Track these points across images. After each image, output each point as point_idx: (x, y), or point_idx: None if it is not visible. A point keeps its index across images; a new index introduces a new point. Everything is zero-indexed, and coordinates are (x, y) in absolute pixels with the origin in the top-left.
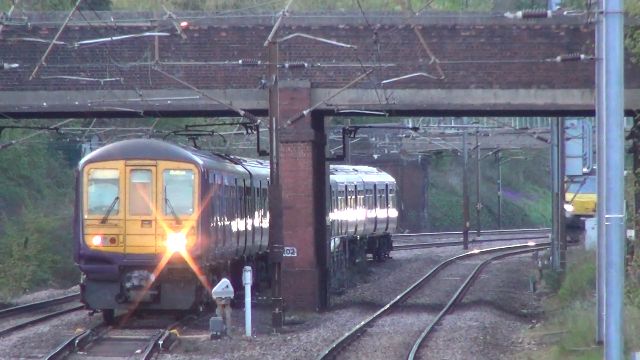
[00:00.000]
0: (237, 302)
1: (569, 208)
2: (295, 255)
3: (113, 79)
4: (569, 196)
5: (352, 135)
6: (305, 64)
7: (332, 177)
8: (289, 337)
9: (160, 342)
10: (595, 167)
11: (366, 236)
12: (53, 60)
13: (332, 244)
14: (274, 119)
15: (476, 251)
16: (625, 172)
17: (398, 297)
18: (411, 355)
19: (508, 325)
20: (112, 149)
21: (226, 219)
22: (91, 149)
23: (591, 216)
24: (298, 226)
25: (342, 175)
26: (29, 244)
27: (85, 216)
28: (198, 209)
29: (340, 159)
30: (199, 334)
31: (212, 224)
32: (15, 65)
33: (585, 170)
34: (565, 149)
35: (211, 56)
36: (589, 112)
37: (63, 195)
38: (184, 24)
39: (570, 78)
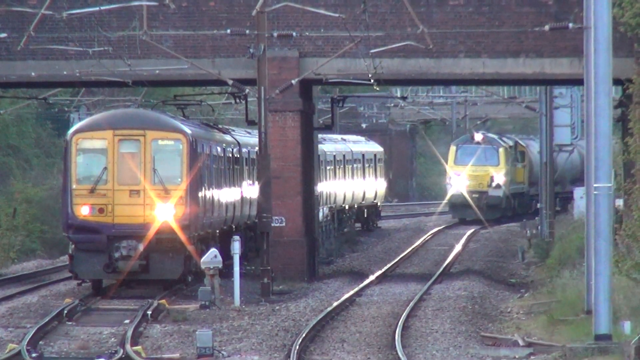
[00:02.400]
0: (225, 272)
1: (457, 183)
2: (284, 225)
3: (101, 48)
4: (458, 169)
5: (340, 105)
6: (294, 34)
7: (320, 146)
8: (277, 307)
9: (149, 312)
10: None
11: (354, 206)
12: (41, 29)
13: (320, 214)
14: (262, 88)
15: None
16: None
17: (386, 266)
18: (400, 325)
19: (497, 294)
20: (100, 119)
21: (215, 189)
22: (79, 119)
23: (484, 193)
24: (287, 196)
25: (331, 144)
26: (17, 214)
27: (74, 186)
28: (186, 179)
29: (329, 128)
30: (187, 304)
31: (200, 194)
32: (3, 35)
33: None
34: (553, 118)
35: (199, 25)
36: (578, 81)
37: (51, 165)
38: None
39: (559, 47)
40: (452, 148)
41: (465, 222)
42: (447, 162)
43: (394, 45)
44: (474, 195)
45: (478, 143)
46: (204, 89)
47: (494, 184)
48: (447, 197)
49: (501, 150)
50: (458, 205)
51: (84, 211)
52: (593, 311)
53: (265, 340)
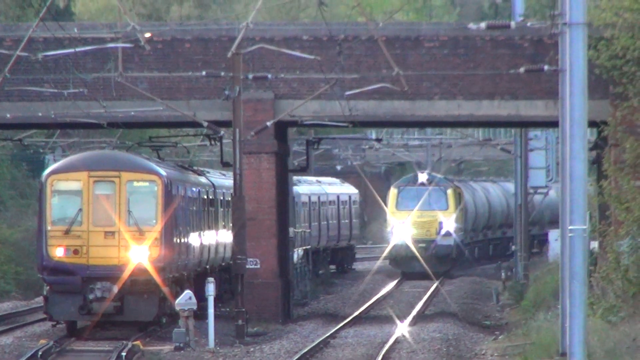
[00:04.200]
0: (200, 314)
1: (400, 233)
2: (259, 266)
3: (77, 90)
4: (401, 215)
5: (315, 147)
6: (269, 75)
7: (295, 188)
8: (252, 349)
9: (124, 353)
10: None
11: (329, 247)
12: (16, 71)
13: (295, 256)
14: (237, 130)
15: None
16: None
17: (361, 308)
18: None
19: (471, 336)
20: (75, 160)
21: (189, 231)
22: (55, 160)
23: (432, 241)
24: (261, 237)
25: (306, 186)
26: None
27: (49, 227)
28: (161, 221)
29: (304, 170)
30: (162, 345)
31: (175, 236)
32: None
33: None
34: (528, 160)
35: (175, 67)
36: (553, 124)
37: (26, 206)
38: (147, 35)
39: (534, 89)
40: (393, 191)
41: (409, 276)
42: (387, 207)
43: (369, 87)
44: (420, 245)
45: (423, 184)
46: (179, 131)
47: (443, 232)
48: (389, 248)
49: (449, 192)
50: (401, 257)
51: (58, 253)
52: (567, 354)
53: None
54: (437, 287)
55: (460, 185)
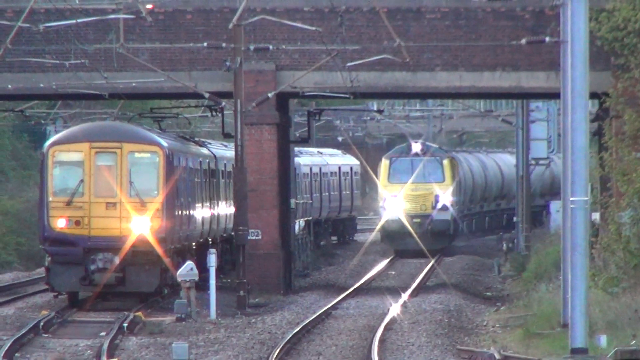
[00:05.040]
0: (201, 285)
1: (392, 207)
2: (260, 237)
3: (78, 61)
4: (393, 188)
5: (317, 118)
6: (270, 47)
7: (296, 159)
8: (253, 320)
9: (125, 324)
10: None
11: (331, 219)
12: (18, 42)
13: (296, 227)
14: (238, 101)
15: None
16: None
17: (363, 279)
18: (376, 338)
19: (473, 308)
20: (77, 132)
21: (191, 202)
22: (56, 132)
23: (428, 216)
24: (263, 209)
25: (307, 157)
26: None
27: (50, 198)
28: (163, 192)
29: (305, 141)
30: (163, 316)
31: (176, 207)
32: None
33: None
34: (530, 131)
35: (176, 38)
36: (554, 95)
37: (28, 177)
38: (149, 6)
39: (535, 61)
40: (385, 162)
41: (403, 254)
42: (379, 180)
43: (370, 59)
44: (414, 221)
45: (416, 155)
46: (180, 102)
47: (439, 206)
48: (380, 223)
49: (446, 162)
50: (394, 234)
51: (60, 224)
52: (569, 325)
53: (242, 353)
54: (438, 258)
55: (456, 156)
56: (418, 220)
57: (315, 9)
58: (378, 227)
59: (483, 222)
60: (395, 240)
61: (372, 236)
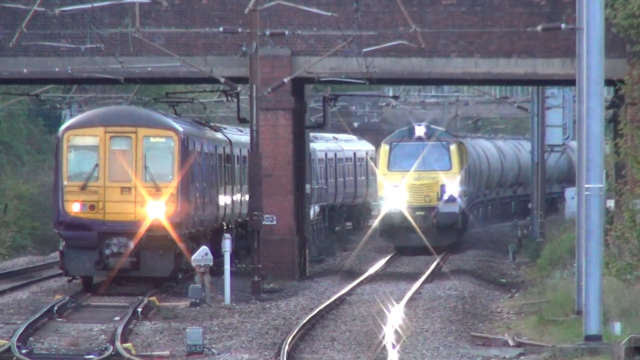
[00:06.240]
0: (216, 270)
1: (392, 199)
2: (275, 223)
3: (94, 45)
4: (394, 177)
5: (332, 104)
6: (286, 32)
7: (312, 145)
8: (267, 305)
9: (139, 309)
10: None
11: (346, 204)
12: (33, 26)
13: (311, 212)
14: (254, 86)
15: None
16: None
17: (377, 265)
18: (389, 324)
19: (487, 294)
20: (92, 116)
21: (206, 187)
22: (71, 116)
23: (433, 209)
24: (278, 194)
25: (322, 143)
26: (8, 211)
27: (65, 183)
28: (178, 177)
29: (321, 127)
30: (177, 301)
31: (191, 192)
32: None
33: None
34: (545, 118)
35: (192, 23)
36: (570, 82)
37: (43, 161)
38: None
39: (551, 47)
40: (384, 148)
41: (404, 251)
42: (378, 168)
43: (386, 45)
44: (417, 214)
45: (420, 139)
46: (196, 87)
47: (446, 197)
48: (380, 216)
49: (453, 148)
50: (395, 228)
51: (75, 208)
52: (583, 312)
53: (256, 338)
54: (453, 243)
55: (465, 141)
56: (422, 213)
57: None
58: (377, 221)
59: (498, 209)
60: (395, 236)
61: (370, 232)
